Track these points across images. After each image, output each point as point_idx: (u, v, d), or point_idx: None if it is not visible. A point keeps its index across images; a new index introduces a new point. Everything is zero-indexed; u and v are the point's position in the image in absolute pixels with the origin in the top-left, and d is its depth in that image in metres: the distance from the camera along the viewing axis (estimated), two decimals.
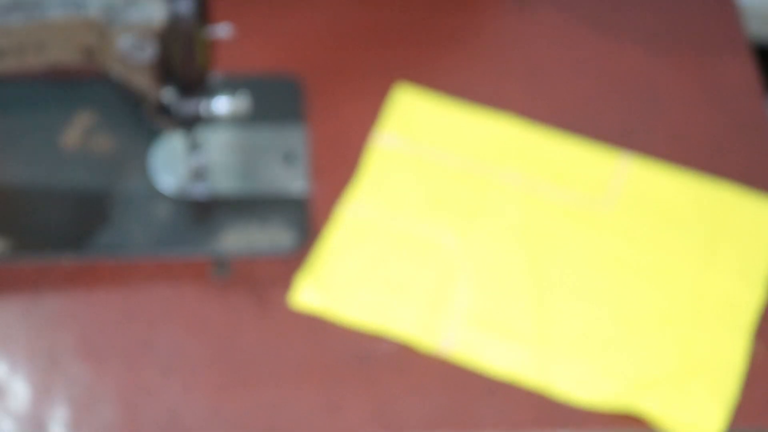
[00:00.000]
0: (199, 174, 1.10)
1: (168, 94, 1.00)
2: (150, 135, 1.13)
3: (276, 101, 1.17)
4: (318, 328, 1.04)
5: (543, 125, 1.17)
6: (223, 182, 1.12)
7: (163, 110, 1.02)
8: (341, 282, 1.06)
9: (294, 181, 1.12)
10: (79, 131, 1.14)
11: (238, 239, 1.09)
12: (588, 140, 1.16)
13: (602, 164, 1.15)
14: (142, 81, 0.98)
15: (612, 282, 1.08)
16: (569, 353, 1.04)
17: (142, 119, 1.04)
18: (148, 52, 0.96)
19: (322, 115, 1.17)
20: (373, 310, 1.05)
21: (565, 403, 1.01)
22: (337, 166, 1.14)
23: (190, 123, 1.03)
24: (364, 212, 1.10)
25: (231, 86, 1.05)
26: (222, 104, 1.02)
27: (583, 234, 1.10)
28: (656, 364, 1.04)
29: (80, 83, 1.17)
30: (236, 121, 1.07)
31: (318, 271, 1.06)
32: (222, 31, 0.99)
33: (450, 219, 1.10)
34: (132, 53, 0.96)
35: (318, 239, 1.08)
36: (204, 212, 1.11)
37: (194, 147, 1.07)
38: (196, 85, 1.00)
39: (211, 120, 1.02)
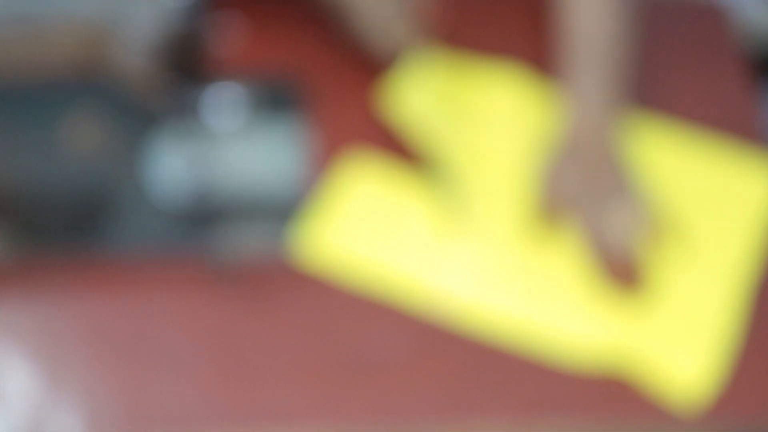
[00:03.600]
0: (199, 174, 1.10)
1: (168, 94, 1.00)
2: (150, 135, 1.13)
3: (276, 101, 1.18)
4: (318, 327, 1.04)
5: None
6: (223, 182, 1.12)
7: (163, 110, 1.01)
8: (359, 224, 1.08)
9: (294, 181, 1.12)
10: (79, 131, 1.14)
11: (237, 239, 1.09)
12: None
13: None
14: (142, 81, 0.98)
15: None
16: (562, 307, 1.06)
17: (142, 119, 1.04)
18: (148, 52, 0.96)
19: (322, 115, 1.17)
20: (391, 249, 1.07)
21: (556, 372, 1.02)
22: (338, 165, 1.14)
23: (190, 122, 1.03)
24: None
25: (231, 86, 1.05)
26: (221, 104, 1.02)
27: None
28: (649, 320, 1.05)
29: (80, 84, 1.17)
30: (236, 121, 1.07)
31: (336, 219, 1.08)
32: (222, 31, 0.99)
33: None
34: (132, 53, 0.96)
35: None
36: (204, 212, 1.11)
37: (194, 147, 1.07)
38: (196, 84, 1.00)
39: (210, 120, 1.02)
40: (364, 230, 1.08)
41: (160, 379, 1.01)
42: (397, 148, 1.16)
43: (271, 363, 1.02)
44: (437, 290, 1.06)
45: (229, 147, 1.14)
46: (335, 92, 1.18)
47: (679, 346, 1.04)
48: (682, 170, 1.15)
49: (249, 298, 1.05)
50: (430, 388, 1.02)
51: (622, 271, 1.08)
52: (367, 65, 1.21)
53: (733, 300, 1.06)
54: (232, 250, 1.08)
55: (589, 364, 1.03)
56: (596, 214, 1.10)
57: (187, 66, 0.97)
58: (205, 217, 1.10)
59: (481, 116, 1.17)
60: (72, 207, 1.10)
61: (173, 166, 1.12)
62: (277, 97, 1.18)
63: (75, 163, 1.12)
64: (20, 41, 0.94)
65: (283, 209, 1.11)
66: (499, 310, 1.05)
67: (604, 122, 1.14)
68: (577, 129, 1.14)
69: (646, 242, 1.09)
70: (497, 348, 1.04)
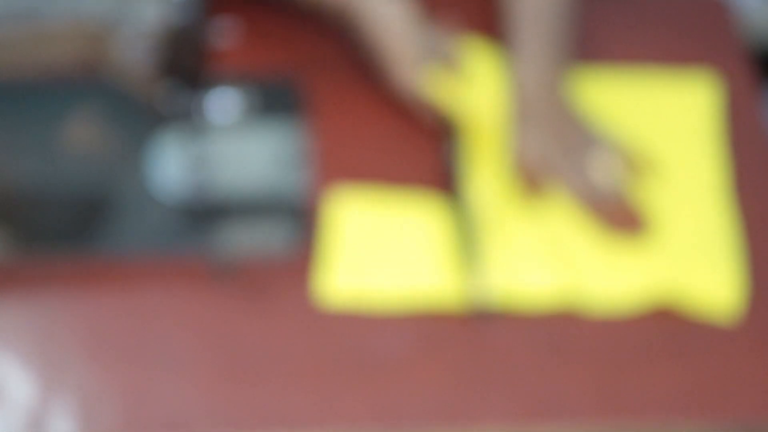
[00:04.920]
0: (198, 174, 1.10)
1: (168, 94, 1.00)
2: (150, 135, 1.13)
3: (276, 101, 1.18)
4: (318, 327, 1.04)
5: None
6: (223, 183, 1.12)
7: (163, 110, 1.01)
8: (366, 259, 1.08)
9: (294, 182, 1.12)
10: (79, 131, 1.14)
11: (237, 239, 1.09)
12: None
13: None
14: (142, 81, 0.98)
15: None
16: (588, 268, 1.08)
17: (142, 119, 1.04)
18: (148, 52, 0.96)
19: (322, 115, 1.17)
20: (402, 274, 1.07)
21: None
22: (338, 166, 1.14)
23: (190, 122, 1.03)
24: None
25: (231, 86, 1.05)
26: (222, 104, 1.02)
27: None
28: (662, 252, 1.09)
29: (80, 83, 1.17)
30: (236, 121, 1.07)
31: (341, 256, 1.07)
32: (222, 31, 0.99)
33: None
34: (132, 53, 0.96)
35: (323, 233, 1.09)
36: (204, 213, 1.11)
37: (194, 147, 1.07)
38: (195, 84, 1.00)
39: (210, 120, 1.02)
40: (369, 261, 1.08)
41: (160, 380, 1.01)
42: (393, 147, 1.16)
43: (271, 363, 1.02)
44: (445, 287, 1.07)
45: (229, 147, 1.14)
46: (335, 92, 1.18)
47: (700, 266, 1.07)
48: (630, 105, 1.19)
49: (249, 298, 1.05)
50: (430, 390, 1.02)
51: (624, 216, 1.10)
52: (367, 65, 1.21)
53: (723, 206, 1.11)
54: (233, 250, 1.08)
55: (628, 310, 1.06)
56: (577, 171, 1.12)
57: (187, 66, 0.97)
58: (205, 216, 1.10)
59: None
60: (72, 207, 1.10)
61: (173, 166, 1.12)
62: (277, 97, 1.18)
63: (75, 162, 1.12)
64: (22, 39, 0.94)
65: (283, 209, 1.11)
66: (528, 286, 1.07)
67: (550, 79, 1.15)
68: (525, 91, 1.16)
69: (631, 182, 1.12)
70: (496, 348, 1.04)
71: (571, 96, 1.16)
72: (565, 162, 1.12)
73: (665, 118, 1.18)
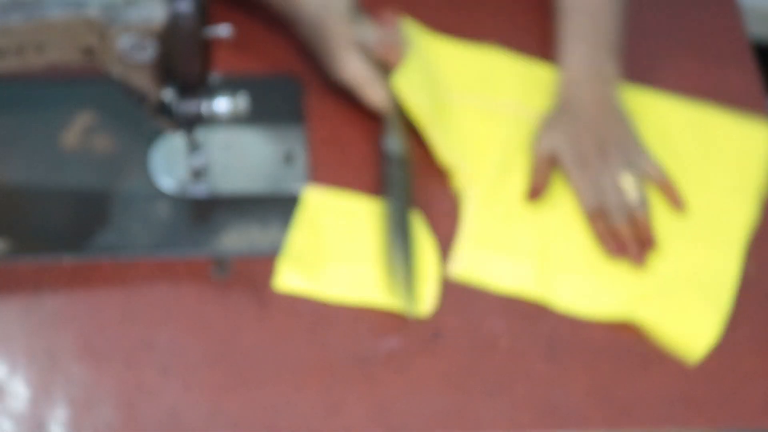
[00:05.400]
0: (199, 174, 1.10)
1: (168, 94, 1.00)
2: (150, 135, 1.13)
3: (276, 101, 1.18)
4: (318, 328, 1.04)
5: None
6: (223, 182, 1.12)
7: (163, 110, 1.01)
8: (321, 260, 1.07)
9: (294, 181, 1.12)
10: (79, 131, 1.14)
11: (238, 239, 1.09)
12: None
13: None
14: (142, 81, 0.98)
15: None
16: (570, 267, 1.08)
17: (142, 119, 1.04)
18: (148, 52, 0.96)
19: (322, 115, 1.17)
20: (356, 283, 1.06)
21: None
22: (337, 166, 1.14)
23: (190, 123, 1.03)
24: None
25: (231, 86, 1.05)
26: (222, 104, 1.02)
27: None
28: (653, 277, 1.07)
29: (80, 83, 1.17)
30: (236, 121, 1.06)
31: (297, 254, 1.07)
32: (222, 31, 0.99)
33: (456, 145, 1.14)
34: (132, 53, 0.96)
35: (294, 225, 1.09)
36: (204, 212, 1.11)
37: (194, 147, 1.07)
38: (196, 85, 1.00)
39: (211, 120, 1.02)
40: (314, 265, 1.08)
41: (160, 379, 1.01)
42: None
43: (271, 363, 1.02)
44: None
45: (229, 146, 1.14)
46: (335, 92, 1.18)
47: (686, 299, 1.06)
48: (681, 132, 1.17)
49: (249, 299, 1.05)
50: (431, 391, 1.02)
51: (623, 244, 1.08)
52: None
53: (735, 257, 1.09)
54: (233, 251, 1.08)
55: (598, 316, 1.06)
56: (593, 173, 1.10)
57: (187, 65, 0.97)
58: (205, 217, 1.10)
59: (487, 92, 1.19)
60: (73, 206, 1.10)
61: (173, 166, 1.12)
62: (277, 97, 1.18)
63: (76, 162, 1.12)
64: (24, 29, 0.93)
65: (283, 208, 1.10)
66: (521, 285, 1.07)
67: (594, 77, 1.14)
68: (567, 87, 1.15)
69: (650, 203, 1.10)
70: (496, 349, 1.04)
71: (618, 97, 1.14)
72: (579, 158, 1.11)
73: (712, 154, 1.15)
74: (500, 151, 1.15)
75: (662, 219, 1.10)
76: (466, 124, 1.16)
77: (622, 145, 1.12)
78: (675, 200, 1.11)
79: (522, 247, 1.09)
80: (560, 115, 1.14)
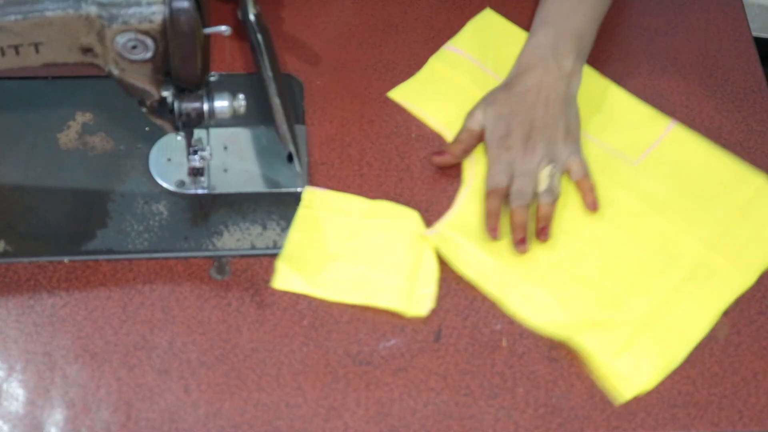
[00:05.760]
0: (198, 174, 1.10)
1: (168, 94, 1.00)
2: (150, 135, 1.13)
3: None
4: (318, 328, 1.04)
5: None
6: (223, 182, 1.12)
7: (163, 110, 1.01)
8: (319, 261, 1.07)
9: (294, 181, 1.12)
10: (79, 131, 1.14)
11: (237, 239, 1.08)
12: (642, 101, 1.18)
13: (649, 127, 1.17)
14: (141, 80, 0.98)
15: (607, 229, 1.10)
16: (530, 276, 1.06)
17: (142, 119, 1.03)
18: (148, 51, 0.95)
19: (322, 115, 1.17)
20: (354, 288, 1.06)
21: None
22: (337, 166, 1.13)
23: (190, 123, 1.03)
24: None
25: (231, 86, 1.04)
26: (222, 104, 1.02)
27: (600, 180, 1.12)
28: (617, 311, 1.05)
29: (80, 83, 1.17)
30: (236, 121, 1.06)
31: (295, 254, 1.07)
32: (222, 31, 0.99)
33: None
34: (131, 52, 0.95)
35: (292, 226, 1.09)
36: (203, 212, 1.10)
37: (194, 147, 1.07)
38: (195, 84, 0.99)
39: (210, 120, 1.02)
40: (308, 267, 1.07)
41: (160, 380, 1.00)
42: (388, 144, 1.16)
43: (270, 364, 1.02)
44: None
45: (229, 146, 1.14)
46: (335, 92, 1.18)
47: (633, 346, 1.03)
48: (698, 173, 1.14)
49: (248, 299, 1.05)
50: (431, 393, 1.01)
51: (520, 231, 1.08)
52: (367, 66, 1.21)
53: (709, 323, 1.06)
54: (233, 251, 1.08)
55: (544, 329, 1.04)
56: (510, 156, 1.10)
57: (188, 64, 0.97)
58: (205, 217, 1.10)
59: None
60: (71, 206, 1.10)
61: (173, 166, 1.12)
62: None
63: (74, 162, 1.12)
64: (22, 25, 0.93)
65: (284, 209, 1.10)
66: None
67: (547, 64, 1.13)
68: (518, 67, 1.15)
69: (558, 197, 1.09)
70: (497, 350, 1.04)
71: (574, 88, 1.14)
72: (506, 148, 1.10)
73: (741, 219, 1.12)
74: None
75: (652, 262, 1.08)
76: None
77: (549, 136, 1.11)
78: (590, 202, 1.10)
79: (492, 244, 1.08)
80: (502, 92, 1.14)
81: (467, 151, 1.12)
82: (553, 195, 1.09)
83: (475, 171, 1.12)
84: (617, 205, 1.11)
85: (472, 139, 1.13)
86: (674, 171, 1.14)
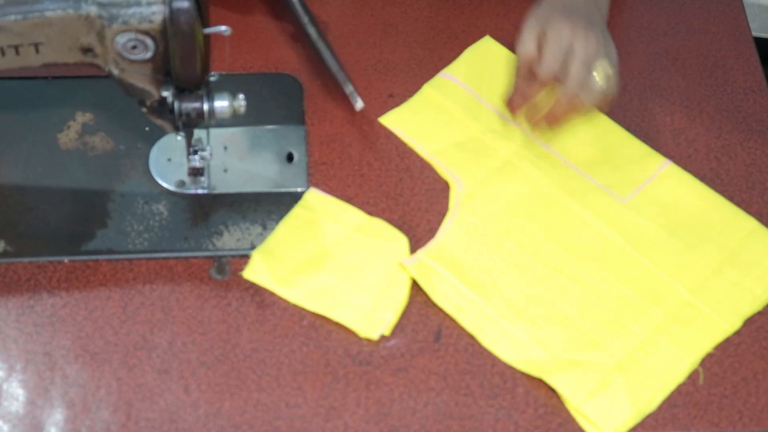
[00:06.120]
0: (198, 174, 1.10)
1: (168, 94, 1.00)
2: (150, 135, 1.13)
3: (276, 101, 1.17)
4: (318, 328, 1.04)
5: None
6: (223, 182, 1.12)
7: (163, 110, 1.01)
8: (294, 261, 1.06)
9: (294, 181, 1.12)
10: (79, 131, 1.14)
11: (238, 239, 1.08)
12: (635, 137, 1.17)
13: (642, 165, 1.15)
14: (141, 80, 0.98)
15: (590, 266, 1.08)
16: (505, 312, 1.04)
17: (142, 119, 1.03)
18: (148, 51, 0.95)
19: (322, 115, 1.17)
20: (317, 296, 1.05)
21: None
22: (337, 166, 1.13)
23: (190, 123, 1.02)
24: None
25: (230, 86, 1.04)
26: (222, 104, 1.02)
27: (588, 216, 1.11)
28: (593, 351, 1.03)
29: (80, 83, 1.17)
30: (236, 121, 1.06)
31: (273, 248, 1.07)
32: (222, 31, 0.99)
33: (460, 163, 1.14)
34: (131, 52, 0.95)
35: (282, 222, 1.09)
36: (203, 212, 1.10)
37: (194, 147, 1.07)
38: (195, 84, 0.99)
39: (210, 120, 1.02)
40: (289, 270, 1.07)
41: (160, 380, 1.00)
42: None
43: (270, 364, 1.02)
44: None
45: (229, 146, 1.14)
46: (334, 92, 1.18)
47: (616, 384, 1.02)
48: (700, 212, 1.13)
49: (248, 299, 1.05)
50: (431, 393, 1.01)
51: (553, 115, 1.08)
52: (367, 66, 1.21)
53: (692, 364, 1.04)
54: (233, 251, 1.07)
55: (516, 365, 1.03)
56: (565, 48, 1.07)
57: (188, 64, 0.97)
58: (205, 216, 1.10)
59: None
60: (71, 206, 1.10)
61: (173, 166, 1.12)
62: (278, 96, 1.18)
63: (74, 162, 1.12)
64: (22, 25, 0.93)
65: (284, 209, 1.10)
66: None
67: None
68: None
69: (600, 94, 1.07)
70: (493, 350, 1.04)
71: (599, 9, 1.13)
72: (564, 39, 1.07)
73: (730, 263, 1.09)
74: (489, 173, 1.13)
75: (635, 302, 1.06)
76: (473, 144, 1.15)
77: (602, 38, 1.09)
78: (552, 117, 1.09)
79: (472, 277, 1.06)
80: (550, 3, 1.12)
81: (530, 92, 1.10)
82: (594, 93, 1.07)
83: (460, 199, 1.11)
84: (602, 242, 1.09)
85: (528, 73, 1.10)
86: (664, 210, 1.12)
